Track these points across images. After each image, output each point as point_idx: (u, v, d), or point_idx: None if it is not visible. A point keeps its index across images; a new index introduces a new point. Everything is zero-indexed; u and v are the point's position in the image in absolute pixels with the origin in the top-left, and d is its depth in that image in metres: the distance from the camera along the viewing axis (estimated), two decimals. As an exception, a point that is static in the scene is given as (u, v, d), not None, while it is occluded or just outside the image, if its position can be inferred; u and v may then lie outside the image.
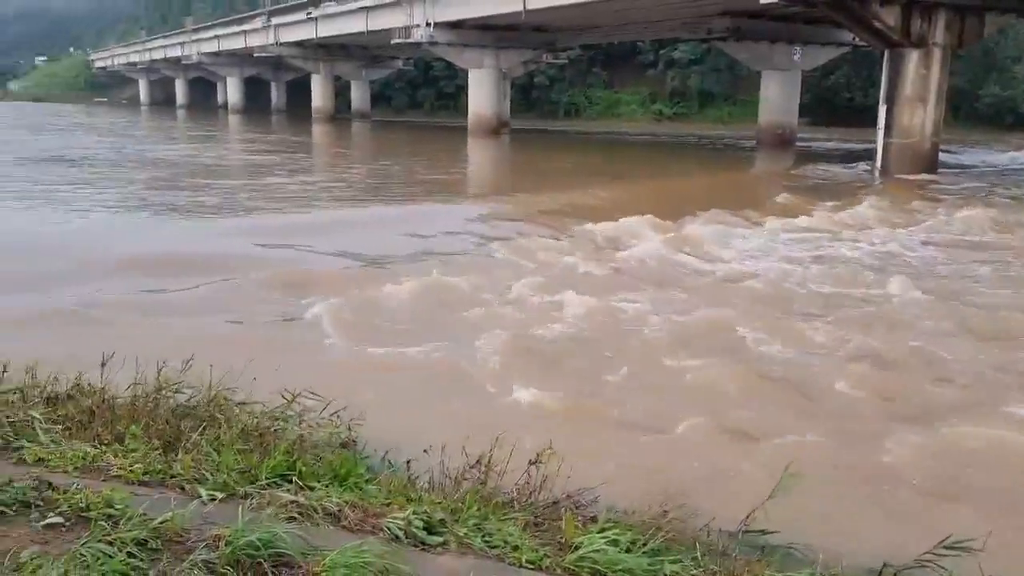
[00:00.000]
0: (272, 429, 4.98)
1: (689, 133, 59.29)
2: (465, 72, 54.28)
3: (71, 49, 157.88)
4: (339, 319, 9.04)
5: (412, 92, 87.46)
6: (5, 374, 4.69)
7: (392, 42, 54.09)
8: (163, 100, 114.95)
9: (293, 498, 3.28)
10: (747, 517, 4.16)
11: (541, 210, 19.04)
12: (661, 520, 3.89)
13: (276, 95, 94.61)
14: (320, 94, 75.55)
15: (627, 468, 5.78)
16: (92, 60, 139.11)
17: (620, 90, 77.01)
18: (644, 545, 3.49)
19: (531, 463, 4.47)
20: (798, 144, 43.53)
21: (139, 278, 10.86)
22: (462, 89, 71.20)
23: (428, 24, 48.97)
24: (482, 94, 51.58)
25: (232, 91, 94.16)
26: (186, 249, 13.15)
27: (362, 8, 57.31)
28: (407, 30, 50.79)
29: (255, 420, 5.00)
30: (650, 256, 13.81)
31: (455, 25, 49.13)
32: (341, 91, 79.37)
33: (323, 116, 73.82)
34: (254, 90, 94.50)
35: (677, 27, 47.52)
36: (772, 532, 4.17)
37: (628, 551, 3.37)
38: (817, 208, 19.73)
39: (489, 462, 4.35)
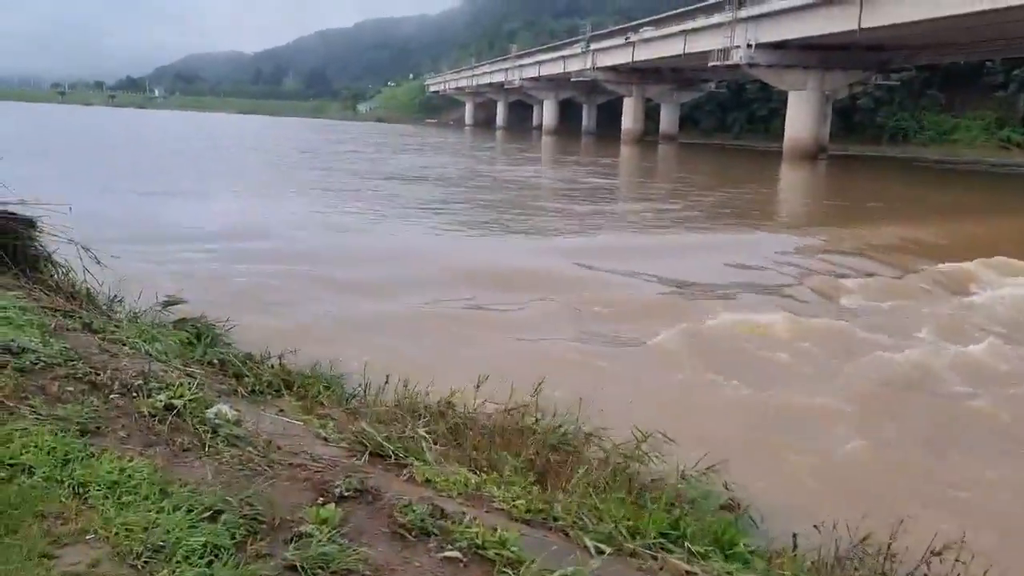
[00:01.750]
0: (625, 468, 4.74)
1: (1048, 164, 51.59)
2: (780, 94, 52.03)
3: (411, 75, 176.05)
4: (686, 350, 8.66)
5: (722, 114, 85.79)
6: (385, 384, 4.92)
7: (709, 64, 53.34)
8: (484, 121, 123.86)
9: (689, 568, 2.93)
10: None
11: (873, 244, 17.39)
12: None
13: (587, 117, 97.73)
14: (631, 116, 76.69)
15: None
16: (427, 85, 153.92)
17: (959, 114, 69.20)
18: None
19: (933, 553, 3.76)
20: None
21: (472, 290, 11.36)
22: (776, 112, 68.45)
23: (749, 45, 47.59)
24: (801, 117, 48.99)
25: (547, 113, 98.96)
26: (513, 264, 13.64)
27: (680, 32, 57.25)
28: (725, 52, 49.75)
29: (610, 455, 4.78)
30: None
31: (777, 46, 47.23)
32: (650, 113, 79.94)
33: (632, 138, 74.83)
34: (566, 112, 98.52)
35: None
36: None
37: None
38: None
39: (889, 548, 3.69)
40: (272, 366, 5.40)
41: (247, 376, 4.78)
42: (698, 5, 56.14)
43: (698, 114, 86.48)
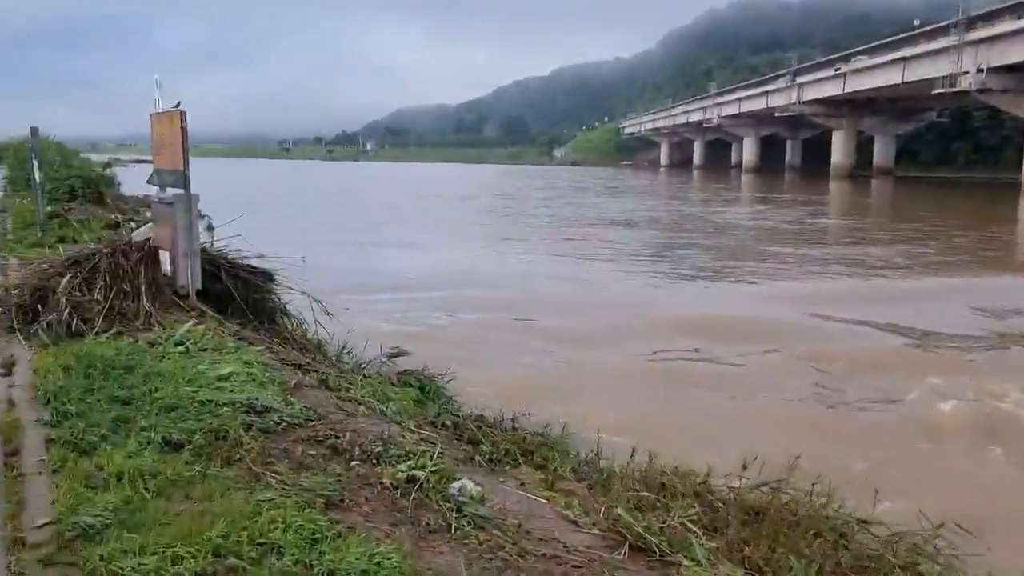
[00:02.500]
0: (915, 566, 3.95)
1: None
2: (1014, 120, 47.09)
3: (605, 118, 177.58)
4: (967, 419, 7.54)
5: (943, 145, 79.11)
6: (631, 459, 4.46)
7: (932, 92, 49.44)
8: (679, 161, 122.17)
9: None
10: None
11: None
12: None
13: (791, 153, 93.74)
14: (840, 150, 72.59)
15: None
16: (623, 127, 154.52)
17: None
18: None
19: None
20: None
21: (694, 340, 10.69)
22: (1008, 140, 62.23)
23: (979, 70, 43.58)
24: (1046, 145, 44.10)
25: (747, 150, 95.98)
26: (736, 313, 12.81)
27: (898, 59, 53.64)
28: (951, 78, 45.91)
29: (895, 547, 4.01)
30: None
31: (1013, 68, 42.89)
32: (861, 146, 75.15)
33: (841, 173, 70.69)
34: (767, 149, 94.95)
35: None
36: None
37: None
38: None
39: None
40: (506, 429, 5.10)
41: (483, 443, 4.49)
42: (919, 30, 52.41)
43: (916, 145, 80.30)
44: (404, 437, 4.26)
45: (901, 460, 6.63)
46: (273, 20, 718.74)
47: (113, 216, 13.40)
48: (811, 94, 71.88)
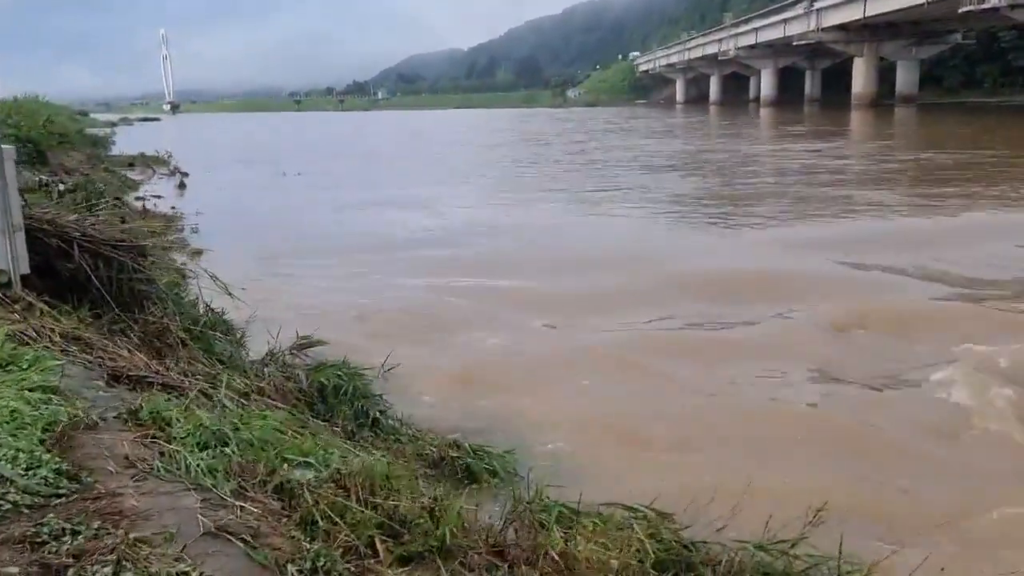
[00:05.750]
0: None
1: None
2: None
3: (619, 56, 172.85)
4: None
5: (969, 69, 75.69)
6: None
7: (960, 11, 46.47)
8: (695, 98, 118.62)
9: None
10: None
11: None
12: None
13: (810, 84, 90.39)
14: (862, 78, 69.57)
15: None
16: (636, 64, 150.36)
17: None
18: None
19: None
20: None
21: (698, 303, 9.07)
22: (1042, 61, 59.06)
23: (1012, -16, 40.70)
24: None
25: (765, 83, 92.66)
26: (755, 266, 11.11)
27: (923, -24, 50.50)
28: (981, -6, 42.99)
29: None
30: None
31: (1050, -19, 40.01)
32: (883, 74, 71.82)
33: (864, 102, 67.76)
34: (785, 81, 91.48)
35: None
36: None
37: None
38: None
39: None
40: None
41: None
42: (946, -56, 49.20)
43: (940, 70, 76.86)
44: (218, 515, 2.75)
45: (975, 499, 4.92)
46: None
47: (38, 178, 11.92)
48: (830, 20, 68.54)
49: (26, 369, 3.87)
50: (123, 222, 9.29)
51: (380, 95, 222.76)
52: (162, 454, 3.18)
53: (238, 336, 6.60)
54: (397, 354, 6.36)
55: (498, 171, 28.33)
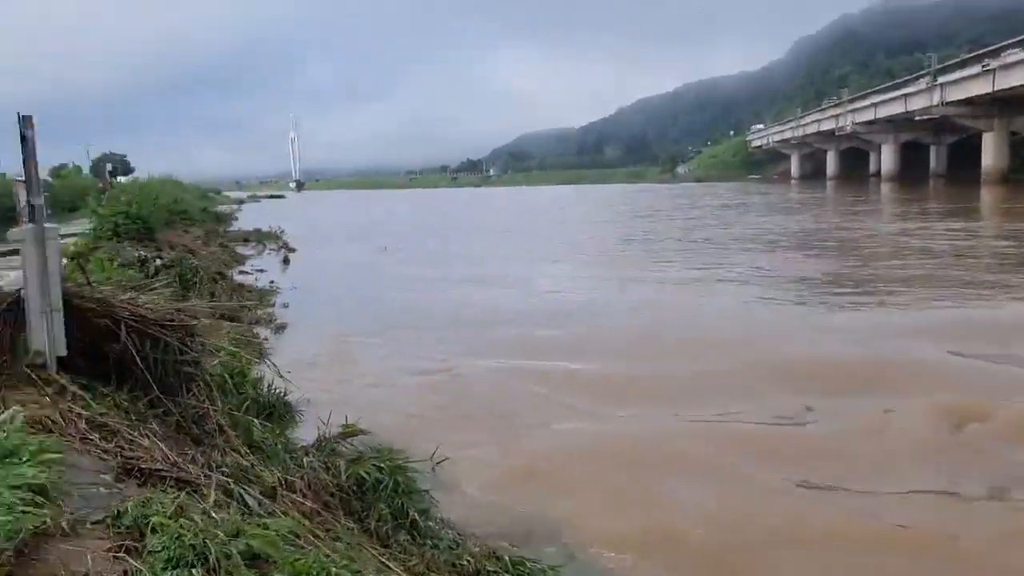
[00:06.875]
0: None
1: None
2: None
3: (731, 133, 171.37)
4: None
5: (1115, 142, 70.65)
6: None
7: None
8: (811, 173, 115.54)
9: None
10: None
11: None
12: None
13: (935, 159, 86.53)
14: (992, 154, 65.97)
15: None
16: (749, 140, 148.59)
17: None
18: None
19: None
20: None
21: (793, 395, 8.23)
22: None
23: None
24: None
25: (886, 158, 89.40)
26: (853, 354, 10.14)
27: (1058, 48, 47.90)
28: (1125, 64, 40.24)
29: None
30: None
31: None
32: (1014, 147, 67.86)
33: (994, 178, 64.09)
34: (908, 156, 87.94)
35: None
36: None
37: None
38: None
39: None
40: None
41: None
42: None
43: (1080, 144, 72.06)
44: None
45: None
46: (403, 56, 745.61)
47: (137, 254, 12.29)
48: (955, 95, 65.70)
49: (23, 462, 3.61)
50: (184, 299, 8.98)
51: (492, 172, 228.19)
52: (126, 573, 2.79)
53: (293, 419, 6.30)
54: (453, 440, 5.90)
55: (610, 246, 27.89)
